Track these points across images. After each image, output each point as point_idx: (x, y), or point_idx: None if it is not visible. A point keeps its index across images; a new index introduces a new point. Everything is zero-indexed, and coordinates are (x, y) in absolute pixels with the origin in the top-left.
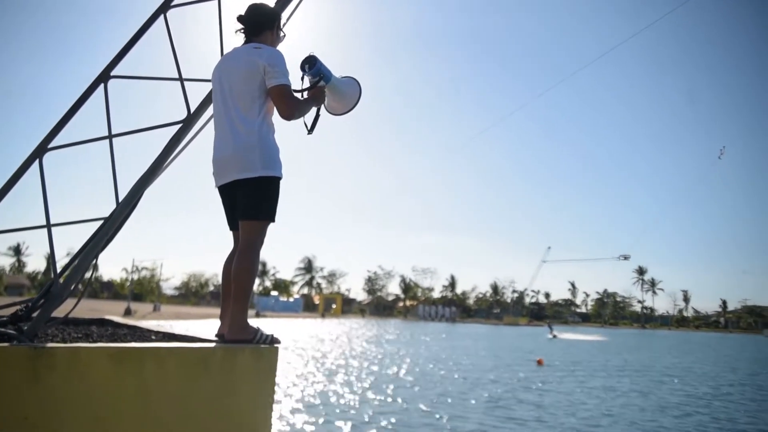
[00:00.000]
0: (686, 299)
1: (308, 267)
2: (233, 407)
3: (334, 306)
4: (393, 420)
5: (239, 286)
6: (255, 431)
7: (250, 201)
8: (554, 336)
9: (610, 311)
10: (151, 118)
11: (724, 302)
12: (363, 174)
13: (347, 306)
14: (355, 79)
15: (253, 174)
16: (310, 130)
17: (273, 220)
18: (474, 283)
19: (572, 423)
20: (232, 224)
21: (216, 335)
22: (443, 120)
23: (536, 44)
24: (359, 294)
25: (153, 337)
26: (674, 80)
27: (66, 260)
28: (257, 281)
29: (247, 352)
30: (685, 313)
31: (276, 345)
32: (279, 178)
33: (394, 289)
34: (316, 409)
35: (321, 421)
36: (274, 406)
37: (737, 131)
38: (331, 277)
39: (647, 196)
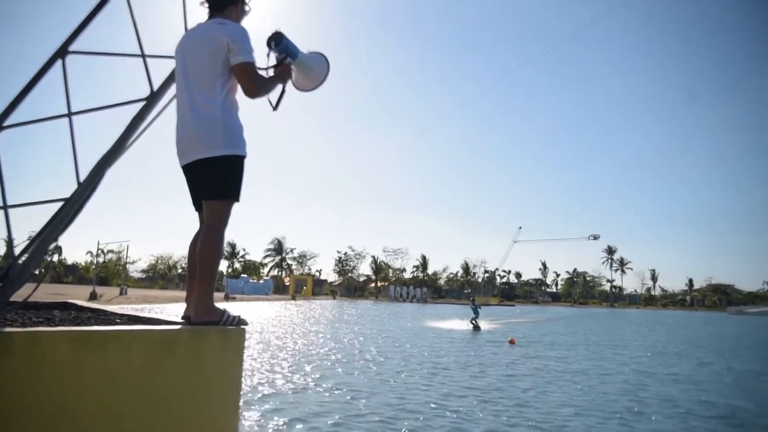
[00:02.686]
0: (654, 278)
1: (278, 248)
2: (200, 390)
3: (304, 288)
4: (352, 401)
5: (204, 268)
6: (223, 413)
7: (214, 180)
8: (475, 325)
9: (579, 290)
10: (112, 95)
11: (691, 281)
12: (334, 154)
13: (318, 287)
14: (322, 54)
15: (215, 153)
16: (275, 107)
17: (237, 200)
18: (445, 264)
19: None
20: (197, 204)
21: (182, 318)
22: (415, 100)
23: (503, 26)
24: (330, 275)
25: (117, 321)
26: (642, 62)
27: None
28: (226, 263)
29: (214, 334)
30: (652, 292)
31: (243, 326)
32: (243, 157)
33: (365, 270)
34: (282, 390)
35: (290, 401)
36: (242, 387)
37: (704, 112)
38: (302, 259)
39: (617, 178)
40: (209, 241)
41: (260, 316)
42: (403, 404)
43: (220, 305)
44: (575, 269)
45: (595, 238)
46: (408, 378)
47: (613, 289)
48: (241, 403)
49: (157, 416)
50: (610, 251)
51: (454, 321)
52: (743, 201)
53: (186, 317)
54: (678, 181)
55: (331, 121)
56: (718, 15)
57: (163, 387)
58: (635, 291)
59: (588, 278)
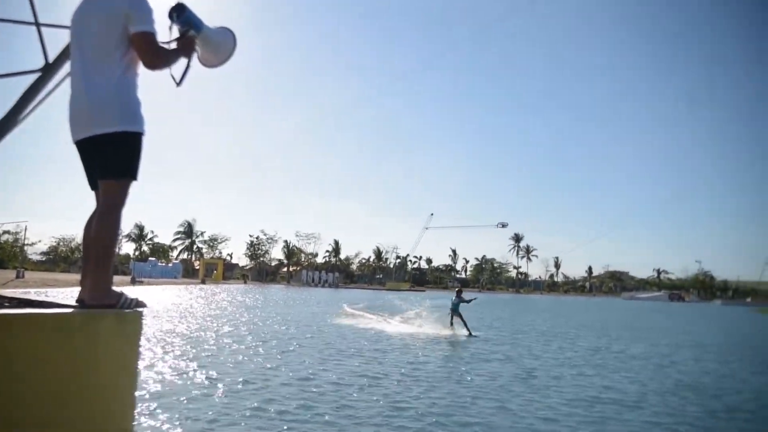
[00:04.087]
0: (557, 265)
1: (188, 231)
2: (95, 374)
3: (215, 272)
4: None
5: (100, 250)
6: (119, 397)
7: (109, 159)
8: (468, 332)
9: (487, 276)
10: (4, 66)
11: (590, 268)
12: (247, 135)
13: (229, 271)
14: (229, 29)
15: (110, 129)
16: (179, 83)
17: (135, 179)
18: (358, 249)
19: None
20: (92, 183)
21: (76, 301)
22: (332, 82)
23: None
24: (242, 259)
25: (6, 304)
26: (555, 57)
27: None
28: (133, 246)
29: (110, 317)
30: (555, 278)
31: (140, 309)
32: (140, 134)
33: (277, 254)
34: (181, 374)
35: (186, 383)
36: (140, 371)
37: (605, 109)
38: (213, 242)
39: (526, 168)
40: (105, 222)
41: (163, 301)
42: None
43: (124, 289)
44: (484, 256)
45: (504, 225)
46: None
47: (519, 276)
48: (137, 392)
49: (47, 406)
50: (517, 239)
51: (411, 320)
52: (637, 195)
53: (80, 300)
54: (581, 175)
55: (242, 100)
56: None
57: (55, 372)
58: (540, 277)
59: (496, 265)
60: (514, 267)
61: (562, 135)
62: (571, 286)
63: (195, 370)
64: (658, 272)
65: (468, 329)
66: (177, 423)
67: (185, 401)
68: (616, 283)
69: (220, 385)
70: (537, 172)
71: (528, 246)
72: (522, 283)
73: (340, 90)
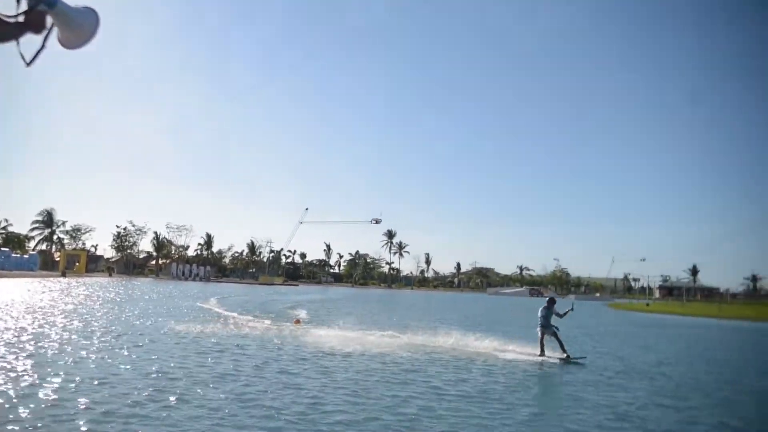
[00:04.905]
0: (428, 261)
1: (48, 221)
2: None
3: (77, 264)
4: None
5: None
6: None
7: None
8: (566, 355)
9: (360, 272)
10: None
11: (459, 264)
12: (115, 120)
13: (93, 264)
14: (92, 9)
15: None
16: (29, 63)
17: None
18: (231, 242)
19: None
20: None
21: None
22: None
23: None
24: (108, 251)
25: None
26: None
27: None
28: None
29: None
30: (426, 274)
31: None
32: None
33: (146, 246)
34: (8, 372)
35: (11, 382)
36: None
37: (462, 112)
38: (75, 233)
39: (399, 165)
40: None
41: (12, 295)
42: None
43: None
44: (357, 251)
45: (377, 221)
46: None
47: (392, 271)
48: None
49: None
50: (390, 235)
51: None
52: (500, 195)
53: None
54: (450, 173)
55: (109, 86)
56: None
57: None
58: (411, 273)
59: (369, 260)
60: (387, 263)
61: (434, 135)
62: (440, 282)
63: (26, 369)
64: (521, 269)
65: (564, 350)
66: None
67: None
68: (483, 279)
69: (53, 383)
70: (415, 170)
71: (401, 242)
72: (394, 279)
73: (215, 80)
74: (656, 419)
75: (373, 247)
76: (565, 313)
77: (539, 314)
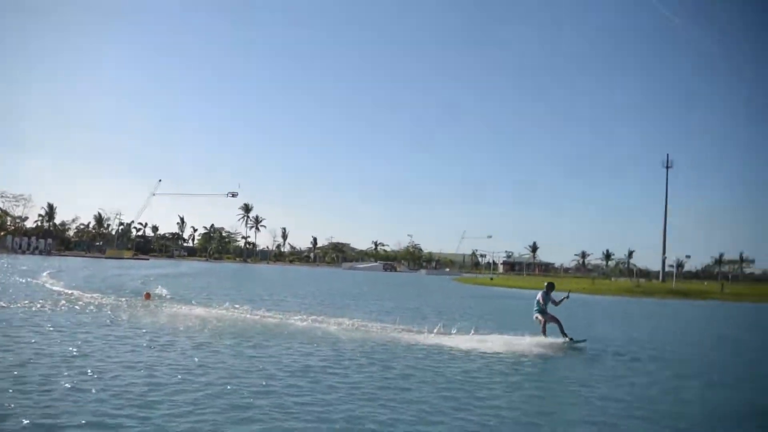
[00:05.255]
0: (285, 236)
1: None
2: None
3: None
4: None
5: None
6: None
7: None
8: (569, 338)
9: (215, 245)
10: None
11: (315, 239)
12: None
13: None
14: None
15: None
16: None
17: None
18: (76, 214)
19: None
20: None
21: None
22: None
23: None
24: None
25: None
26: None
27: None
28: None
29: None
30: (282, 249)
31: None
32: None
33: None
34: None
35: None
36: None
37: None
38: None
39: (255, 139)
40: None
41: None
42: None
43: None
44: (212, 225)
45: (234, 195)
46: None
47: (248, 245)
48: None
49: None
50: (247, 209)
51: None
52: (359, 171)
53: None
54: (309, 150)
55: None
56: None
57: None
58: (267, 247)
59: (224, 234)
60: (243, 237)
61: (289, 109)
62: (296, 257)
63: None
64: (376, 244)
65: (564, 333)
66: None
67: None
68: (339, 254)
69: None
70: (274, 144)
71: (257, 216)
72: (249, 253)
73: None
74: None
75: (230, 221)
76: (560, 301)
77: (537, 299)
